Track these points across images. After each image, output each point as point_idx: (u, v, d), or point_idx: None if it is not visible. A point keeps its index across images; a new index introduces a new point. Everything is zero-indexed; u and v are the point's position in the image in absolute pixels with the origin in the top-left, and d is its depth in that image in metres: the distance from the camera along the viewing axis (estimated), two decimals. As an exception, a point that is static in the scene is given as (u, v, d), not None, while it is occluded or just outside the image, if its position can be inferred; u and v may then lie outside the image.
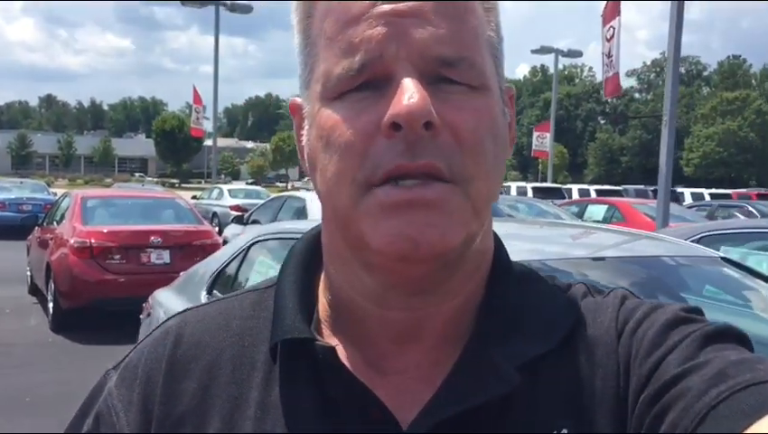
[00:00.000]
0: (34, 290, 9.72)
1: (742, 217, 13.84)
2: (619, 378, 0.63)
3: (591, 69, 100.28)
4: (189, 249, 8.25)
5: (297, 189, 37.19)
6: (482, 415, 0.61)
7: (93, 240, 7.90)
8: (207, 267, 4.12)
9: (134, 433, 0.67)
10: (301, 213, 9.99)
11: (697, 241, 4.23)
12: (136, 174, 76.68)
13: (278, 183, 67.66)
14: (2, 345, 7.16)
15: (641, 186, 33.05)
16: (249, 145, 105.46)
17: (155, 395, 0.68)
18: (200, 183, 61.30)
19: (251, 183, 49.07)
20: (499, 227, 0.76)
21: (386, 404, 0.63)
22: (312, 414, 0.64)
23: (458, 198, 0.58)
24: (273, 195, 14.61)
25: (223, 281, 3.85)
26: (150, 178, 67.10)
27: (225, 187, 23.44)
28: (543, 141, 30.39)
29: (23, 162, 78.88)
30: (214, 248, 7.66)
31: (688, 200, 26.63)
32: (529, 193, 22.58)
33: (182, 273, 4.55)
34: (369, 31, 0.59)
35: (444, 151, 0.58)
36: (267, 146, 78.20)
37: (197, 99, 27.40)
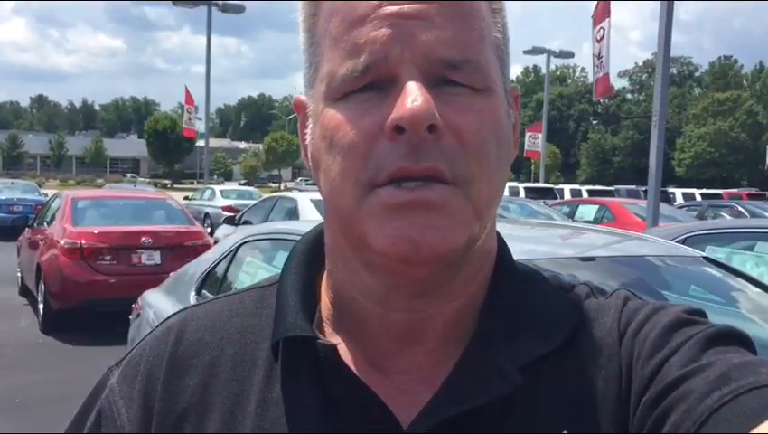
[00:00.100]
0: (25, 291, 9.69)
1: (728, 217, 13.90)
2: (621, 380, 0.63)
3: (583, 69, 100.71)
4: (180, 249, 8.23)
5: (290, 189, 37.18)
6: (484, 415, 0.61)
7: (83, 241, 7.88)
8: (196, 267, 4.12)
9: (135, 430, 0.68)
10: (292, 214, 10.00)
11: (683, 241, 4.25)
12: (128, 175, 76.56)
13: (271, 184, 67.66)
14: (-8, 347, 7.14)
15: (633, 186, 33.14)
16: (242, 145, 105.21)
17: (156, 392, 0.68)
18: (192, 183, 61.24)
19: (244, 184, 49.01)
20: None
21: (387, 404, 0.63)
22: (313, 412, 0.64)
23: (459, 200, 0.58)
24: (265, 196, 14.61)
25: (212, 282, 3.85)
26: (142, 179, 66.98)
27: (217, 188, 23.40)
28: (535, 141, 30.45)
29: (14, 162, 78.55)
30: (205, 249, 7.64)
31: (679, 200, 26.77)
32: (521, 194, 22.63)
33: (171, 274, 4.56)
34: (373, 32, 0.59)
35: (447, 154, 0.58)
36: (260, 146, 78.07)
37: (189, 99, 27.34)
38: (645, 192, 9.47)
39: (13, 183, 20.93)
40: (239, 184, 46.40)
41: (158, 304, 3.99)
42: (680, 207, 18.47)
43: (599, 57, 11.70)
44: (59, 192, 10.69)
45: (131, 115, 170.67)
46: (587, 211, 14.60)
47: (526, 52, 32.07)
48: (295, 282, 0.71)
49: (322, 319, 0.70)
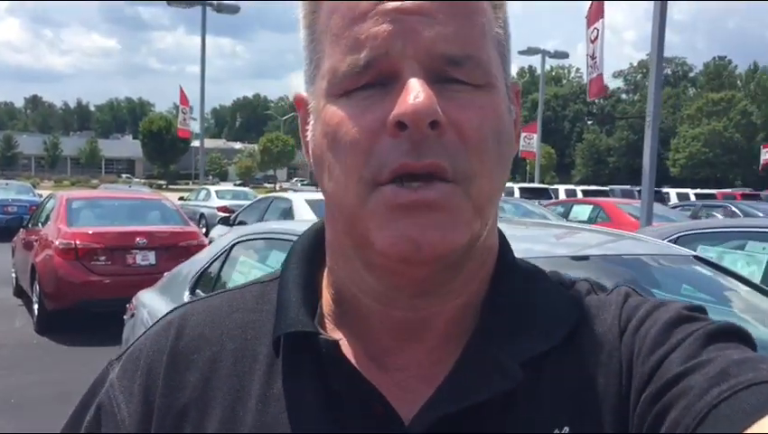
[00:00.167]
0: (19, 292, 9.68)
1: (720, 217, 13.96)
2: (621, 376, 0.63)
3: (578, 70, 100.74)
4: (174, 250, 8.22)
5: (285, 190, 37.15)
6: (485, 411, 0.61)
7: (78, 242, 7.87)
8: (190, 267, 4.13)
9: (135, 424, 0.67)
10: (287, 214, 10.00)
11: (675, 241, 4.28)
12: (123, 176, 76.33)
13: (266, 184, 67.48)
14: (-14, 347, 7.14)
15: (628, 187, 33.17)
16: (237, 146, 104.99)
17: (157, 387, 0.68)
18: (187, 184, 61.14)
19: (239, 185, 48.90)
20: None
21: (388, 400, 0.63)
22: (314, 407, 0.64)
23: (459, 198, 0.59)
24: (260, 196, 14.61)
25: (206, 281, 3.87)
26: (137, 179, 66.80)
27: (212, 188, 23.36)
28: (530, 142, 30.48)
29: (8, 163, 78.21)
30: (200, 249, 7.62)
31: (674, 200, 26.83)
32: (516, 194, 22.63)
33: (165, 274, 4.57)
34: (375, 28, 0.59)
35: (448, 150, 0.58)
36: (255, 147, 77.92)
37: (184, 99, 27.27)
38: (640, 192, 9.49)
39: (7, 184, 20.90)
40: (235, 185, 46.33)
41: (152, 304, 4.00)
42: (674, 207, 18.53)
43: (593, 57, 11.72)
44: (53, 192, 10.67)
45: (126, 115, 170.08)
46: (582, 211, 14.64)
47: (521, 53, 32.13)
48: (296, 278, 0.71)
49: (323, 315, 0.70)
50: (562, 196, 24.35)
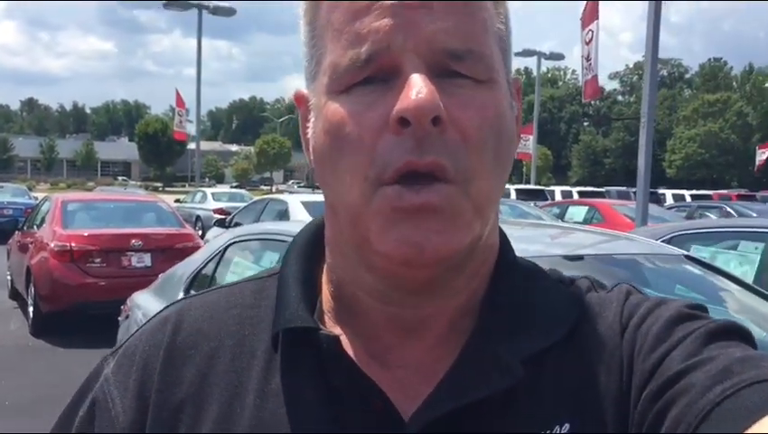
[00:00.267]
0: (15, 294, 9.65)
1: (713, 217, 14.00)
2: (622, 373, 0.62)
3: (574, 71, 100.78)
4: (170, 252, 8.19)
5: (282, 192, 37.13)
6: (485, 408, 0.61)
7: (73, 244, 7.86)
8: (185, 268, 4.14)
9: (129, 419, 0.67)
10: (283, 216, 10.01)
11: (669, 241, 4.29)
12: (119, 178, 76.30)
13: (263, 187, 67.48)
14: (-19, 350, 7.13)
15: (624, 188, 33.24)
16: (234, 148, 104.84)
17: (152, 382, 0.67)
18: (183, 186, 61.07)
19: (235, 187, 48.83)
20: None
21: (388, 396, 0.62)
22: (313, 403, 0.63)
23: (460, 199, 0.58)
24: (256, 198, 14.61)
25: (200, 282, 3.87)
26: (133, 182, 66.83)
27: (209, 190, 23.35)
28: (526, 143, 30.54)
29: (4, 166, 78.01)
30: (195, 251, 7.66)
31: (670, 201, 26.90)
32: (512, 195, 22.65)
33: (160, 275, 4.57)
34: (376, 22, 0.58)
35: (449, 148, 0.58)
36: (252, 149, 77.73)
37: (180, 102, 27.27)
38: (635, 193, 9.52)
39: (3, 187, 20.85)
40: (231, 187, 46.31)
41: (147, 305, 4.00)
42: (670, 208, 18.56)
43: (588, 59, 11.74)
44: (48, 195, 10.66)
45: (122, 118, 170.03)
46: (577, 212, 14.67)
47: (517, 54, 32.13)
48: (295, 273, 0.71)
49: (322, 311, 0.69)
50: (558, 198, 24.38)
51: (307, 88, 0.67)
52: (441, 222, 0.58)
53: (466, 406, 0.61)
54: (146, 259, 8.17)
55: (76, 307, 7.76)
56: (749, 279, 3.76)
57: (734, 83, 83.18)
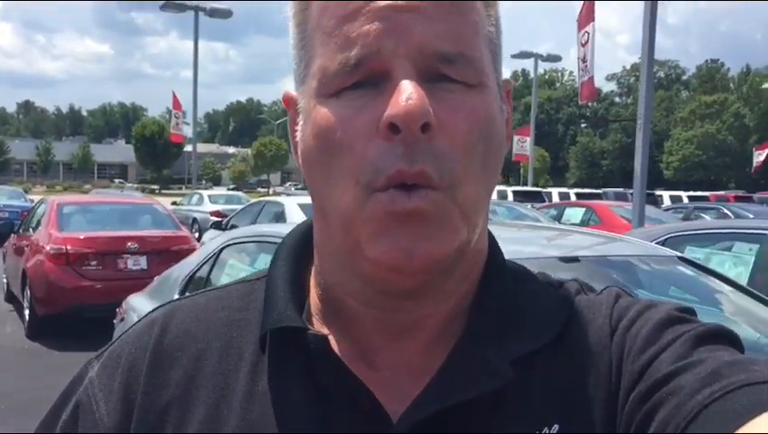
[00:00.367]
0: (10, 297, 9.63)
1: (709, 218, 14.03)
2: (611, 374, 0.63)
3: (571, 73, 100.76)
4: (166, 254, 8.19)
5: (279, 194, 37.14)
6: (474, 409, 0.61)
7: (69, 247, 7.85)
8: (180, 271, 4.14)
9: (113, 422, 0.66)
10: (279, 218, 10.02)
11: (663, 242, 4.30)
12: (116, 181, 76.24)
13: (260, 189, 67.40)
14: (-23, 353, 7.11)
15: (621, 189, 33.32)
16: (231, 150, 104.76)
17: (138, 384, 0.67)
18: (180, 188, 60.95)
19: (232, 189, 48.83)
20: None
21: (376, 396, 0.62)
22: (301, 403, 0.63)
23: (447, 205, 0.58)
24: (252, 200, 14.61)
25: (196, 285, 3.87)
26: (130, 184, 66.80)
27: (205, 193, 23.34)
28: (523, 145, 30.61)
29: (0, 169, 77.95)
30: (191, 253, 7.65)
31: (667, 202, 26.94)
32: (510, 197, 22.72)
33: (156, 278, 4.56)
34: (366, 26, 0.58)
35: (436, 156, 0.57)
36: (249, 151, 77.78)
37: (176, 104, 27.30)
38: (632, 194, 9.54)
39: (-1, 190, 20.82)
40: (228, 189, 46.31)
41: (142, 307, 4.00)
42: (667, 210, 18.59)
43: (584, 61, 11.77)
44: (44, 197, 10.65)
45: (118, 120, 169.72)
46: (574, 213, 14.69)
47: (514, 56, 32.30)
48: (284, 274, 0.70)
49: (311, 313, 0.69)
50: (556, 199, 24.44)
51: (296, 90, 0.67)
52: (429, 228, 0.58)
53: (455, 407, 0.60)
54: (142, 262, 8.16)
55: (72, 310, 7.74)
56: (743, 281, 3.77)
57: (731, 85, 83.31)
